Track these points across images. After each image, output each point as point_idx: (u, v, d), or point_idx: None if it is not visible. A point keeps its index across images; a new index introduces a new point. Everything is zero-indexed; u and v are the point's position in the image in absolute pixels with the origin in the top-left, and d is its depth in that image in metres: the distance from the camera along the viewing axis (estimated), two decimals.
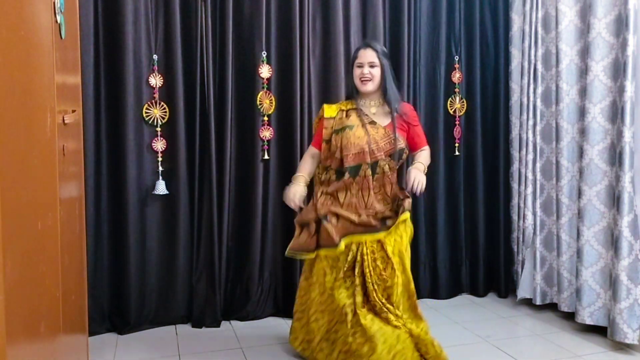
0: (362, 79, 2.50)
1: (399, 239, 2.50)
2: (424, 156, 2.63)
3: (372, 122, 2.51)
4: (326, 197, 2.55)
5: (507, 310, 3.51)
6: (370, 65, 2.49)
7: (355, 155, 2.47)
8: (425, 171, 2.55)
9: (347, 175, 2.48)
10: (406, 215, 2.50)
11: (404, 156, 2.60)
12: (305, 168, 2.62)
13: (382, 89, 2.53)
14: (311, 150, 2.66)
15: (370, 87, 2.51)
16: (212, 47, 3.16)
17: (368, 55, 2.50)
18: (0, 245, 1.04)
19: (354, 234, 2.47)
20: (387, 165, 2.51)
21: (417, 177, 2.46)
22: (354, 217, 2.47)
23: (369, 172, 2.47)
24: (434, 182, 3.72)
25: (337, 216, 2.49)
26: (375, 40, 2.74)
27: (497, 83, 3.76)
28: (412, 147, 2.64)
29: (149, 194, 3.15)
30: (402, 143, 2.54)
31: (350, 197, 2.48)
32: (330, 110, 2.59)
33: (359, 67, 2.52)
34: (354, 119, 2.51)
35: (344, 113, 2.55)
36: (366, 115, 2.54)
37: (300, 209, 2.58)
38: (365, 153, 2.46)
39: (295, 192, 2.53)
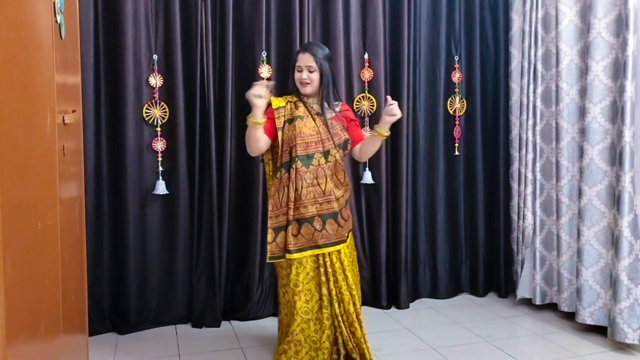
0: (302, 83, 2.57)
1: (352, 246, 2.69)
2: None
3: (318, 114, 2.60)
4: (279, 208, 2.55)
5: (507, 310, 3.51)
6: (308, 70, 2.55)
7: (309, 144, 2.53)
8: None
9: (299, 164, 2.51)
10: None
11: (349, 147, 2.68)
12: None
13: (321, 91, 2.60)
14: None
15: (309, 89, 2.57)
16: (212, 47, 3.16)
17: (306, 60, 2.55)
18: (1, 245, 1.04)
19: (316, 248, 2.53)
20: (337, 154, 2.60)
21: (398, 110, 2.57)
22: (317, 225, 2.52)
23: (323, 160, 2.54)
24: (434, 182, 3.73)
25: (299, 223, 2.52)
26: (317, 44, 2.78)
27: (497, 83, 3.76)
28: (353, 141, 2.71)
29: (149, 194, 3.15)
30: (346, 134, 2.65)
31: (306, 187, 2.51)
32: (277, 102, 2.60)
33: (299, 71, 2.57)
34: (302, 109, 2.57)
35: (293, 104, 2.61)
36: (312, 107, 2.61)
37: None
38: (318, 142, 2.54)
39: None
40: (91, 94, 3.03)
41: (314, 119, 2.56)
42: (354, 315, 2.56)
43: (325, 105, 2.59)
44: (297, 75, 2.58)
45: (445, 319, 3.35)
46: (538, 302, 3.40)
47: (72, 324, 1.87)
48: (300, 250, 2.51)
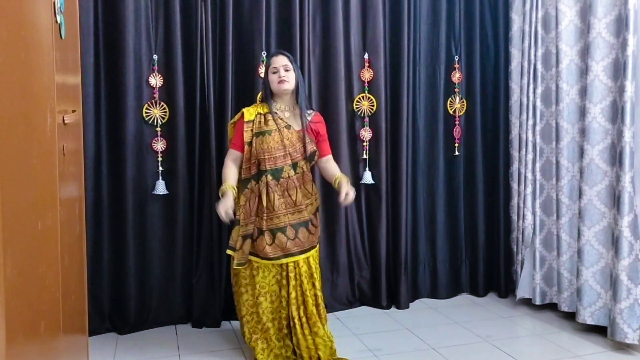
0: (280, 81, 2.64)
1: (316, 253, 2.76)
2: (337, 168, 2.83)
3: (288, 126, 2.67)
4: (249, 215, 2.65)
5: (507, 310, 3.51)
6: (285, 69, 2.65)
7: (277, 158, 2.62)
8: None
9: (269, 177, 2.61)
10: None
11: (315, 158, 2.76)
12: (231, 176, 2.66)
13: (295, 92, 2.70)
14: (233, 154, 2.70)
15: (288, 86, 2.66)
16: (212, 47, 3.16)
17: (281, 61, 2.66)
18: (1, 245, 1.04)
19: (290, 256, 2.63)
20: (305, 166, 2.69)
21: (350, 194, 2.63)
22: (290, 234, 2.62)
23: (292, 172, 2.64)
24: (434, 182, 3.73)
25: (272, 233, 2.62)
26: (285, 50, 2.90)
27: (497, 83, 3.76)
28: (319, 154, 2.79)
29: (149, 194, 3.15)
30: (314, 146, 2.73)
31: (277, 199, 2.61)
32: (248, 114, 2.68)
33: (275, 72, 2.66)
34: (271, 123, 2.66)
35: (262, 117, 2.68)
36: (281, 119, 2.68)
37: (232, 222, 2.63)
38: (286, 156, 2.63)
39: (227, 208, 2.54)
40: (91, 94, 3.03)
41: (281, 133, 2.64)
42: (317, 316, 2.66)
43: (297, 111, 2.69)
44: (273, 76, 2.67)
45: (445, 319, 3.35)
46: (538, 302, 3.40)
47: (72, 324, 1.87)
48: (276, 258, 2.62)
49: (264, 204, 2.60)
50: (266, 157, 2.60)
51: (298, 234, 2.63)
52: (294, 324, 2.62)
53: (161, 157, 3.14)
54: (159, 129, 3.14)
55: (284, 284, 2.65)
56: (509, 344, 2.96)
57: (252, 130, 2.65)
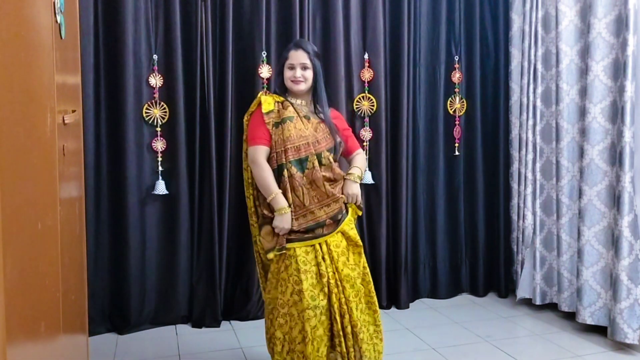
0: (295, 81, 2.39)
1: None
2: (358, 160, 2.52)
3: (307, 116, 2.41)
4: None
5: (507, 310, 3.51)
6: (302, 67, 2.38)
7: (300, 147, 2.33)
8: (363, 175, 2.48)
9: (293, 170, 2.32)
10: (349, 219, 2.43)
11: (340, 151, 2.47)
12: (273, 180, 2.33)
13: (313, 90, 2.44)
14: (263, 152, 2.35)
15: (303, 87, 2.40)
16: (212, 47, 3.16)
17: (300, 57, 2.38)
18: (1, 245, 1.04)
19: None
20: (330, 157, 2.39)
21: (351, 192, 2.40)
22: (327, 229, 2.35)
23: (317, 162, 2.34)
24: (434, 182, 3.73)
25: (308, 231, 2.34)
26: (307, 41, 2.67)
27: (497, 83, 3.76)
28: (346, 151, 2.54)
29: (149, 194, 3.15)
30: (338, 137, 2.45)
31: (306, 192, 2.32)
32: (267, 104, 2.38)
33: (290, 68, 2.39)
34: (291, 110, 2.37)
35: (281, 105, 2.40)
36: (301, 109, 2.42)
37: (260, 225, 2.42)
38: (310, 144, 2.34)
39: (287, 221, 2.30)
40: (91, 94, 3.03)
41: (302, 119, 2.37)
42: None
43: (318, 107, 2.44)
44: (288, 73, 2.39)
45: (445, 319, 3.35)
46: (538, 302, 3.40)
47: (72, 324, 1.87)
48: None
49: (291, 200, 2.30)
50: (288, 146, 2.30)
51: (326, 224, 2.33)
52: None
53: (161, 157, 3.14)
54: (159, 129, 3.14)
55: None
56: (509, 344, 2.96)
57: (273, 119, 2.35)
